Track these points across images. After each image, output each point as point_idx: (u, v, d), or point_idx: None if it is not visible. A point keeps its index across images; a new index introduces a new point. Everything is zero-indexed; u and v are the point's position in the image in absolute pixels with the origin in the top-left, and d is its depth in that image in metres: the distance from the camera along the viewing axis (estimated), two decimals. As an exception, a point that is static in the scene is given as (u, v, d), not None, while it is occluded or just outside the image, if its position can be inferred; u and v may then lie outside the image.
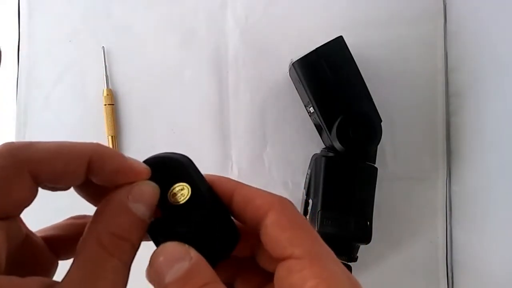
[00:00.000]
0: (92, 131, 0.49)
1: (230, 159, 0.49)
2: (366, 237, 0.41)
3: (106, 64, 0.49)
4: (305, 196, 0.45)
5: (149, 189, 0.20)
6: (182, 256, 0.19)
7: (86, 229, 0.19)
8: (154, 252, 0.19)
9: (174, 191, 0.21)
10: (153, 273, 0.19)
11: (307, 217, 0.44)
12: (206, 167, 0.47)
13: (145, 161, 0.22)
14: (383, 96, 0.44)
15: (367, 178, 0.43)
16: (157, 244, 0.21)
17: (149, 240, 0.21)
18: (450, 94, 0.48)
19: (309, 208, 0.43)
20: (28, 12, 0.50)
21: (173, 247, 0.19)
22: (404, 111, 0.48)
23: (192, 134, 0.49)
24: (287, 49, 0.48)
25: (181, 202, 0.21)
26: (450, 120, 0.48)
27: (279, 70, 0.48)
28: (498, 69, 0.41)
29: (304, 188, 0.46)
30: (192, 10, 0.50)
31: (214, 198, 0.22)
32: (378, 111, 0.42)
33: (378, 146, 0.42)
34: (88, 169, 0.19)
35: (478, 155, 0.44)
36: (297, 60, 0.41)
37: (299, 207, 0.47)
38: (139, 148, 0.49)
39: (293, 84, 0.47)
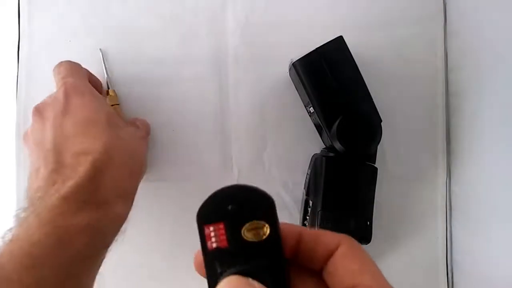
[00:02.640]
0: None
1: (230, 159, 0.49)
2: (366, 237, 0.41)
3: (106, 65, 0.49)
4: (305, 196, 0.45)
5: None
6: (247, 286, 0.19)
7: None
8: (219, 285, 0.20)
9: (252, 226, 0.21)
10: None
11: (307, 217, 0.44)
12: (206, 167, 0.48)
13: (229, 187, 0.21)
14: (383, 96, 0.44)
15: (367, 178, 0.43)
16: (210, 271, 0.21)
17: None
18: (450, 94, 0.48)
19: (309, 208, 0.43)
20: (28, 12, 0.50)
21: (237, 279, 0.20)
22: (404, 111, 0.48)
23: (192, 134, 0.49)
24: (287, 49, 0.47)
25: (255, 240, 0.21)
26: (450, 120, 0.48)
27: (279, 70, 0.48)
28: (498, 69, 0.41)
29: (304, 188, 0.46)
30: (192, 10, 0.50)
31: (282, 247, 0.21)
32: (378, 111, 0.42)
33: (378, 146, 0.42)
34: None
35: (478, 155, 0.44)
36: (297, 60, 0.41)
37: (299, 207, 0.47)
38: (139, 148, 0.49)
39: (293, 84, 0.47)
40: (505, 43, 0.40)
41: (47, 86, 0.50)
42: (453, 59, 0.48)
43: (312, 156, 0.46)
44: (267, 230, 0.21)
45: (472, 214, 0.45)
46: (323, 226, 0.41)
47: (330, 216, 0.41)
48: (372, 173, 0.43)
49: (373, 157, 0.44)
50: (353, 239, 0.22)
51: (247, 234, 0.21)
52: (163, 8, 0.50)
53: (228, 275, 0.20)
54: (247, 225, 0.21)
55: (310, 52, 0.41)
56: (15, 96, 0.50)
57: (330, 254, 0.22)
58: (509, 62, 0.39)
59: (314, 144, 0.48)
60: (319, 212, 0.41)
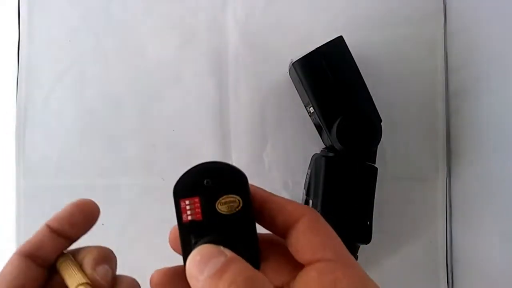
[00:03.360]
0: (92, 131, 0.49)
1: (230, 159, 0.49)
2: (366, 237, 0.41)
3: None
4: (305, 196, 0.45)
5: None
6: (218, 254, 0.20)
7: None
8: (191, 254, 0.20)
9: (225, 200, 0.22)
10: (190, 273, 0.20)
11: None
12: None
13: (204, 163, 0.22)
14: (383, 96, 0.44)
15: (367, 178, 0.42)
16: (184, 243, 0.22)
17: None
18: (450, 94, 0.48)
19: (309, 208, 0.43)
20: (28, 12, 0.50)
21: (208, 247, 0.20)
22: (404, 111, 0.48)
23: (192, 134, 0.49)
24: (287, 49, 0.48)
25: (228, 213, 0.22)
26: (450, 120, 0.48)
27: (279, 70, 0.48)
28: (498, 69, 0.41)
29: (304, 188, 0.46)
30: (192, 10, 0.50)
31: (254, 219, 0.22)
32: (378, 111, 0.42)
33: (378, 146, 0.42)
34: None
35: (478, 155, 0.44)
36: (297, 60, 0.41)
37: (299, 207, 0.47)
38: (139, 148, 0.49)
39: (293, 84, 0.47)
40: (505, 43, 0.40)
41: (47, 87, 0.50)
42: (453, 59, 0.48)
43: (312, 156, 0.46)
44: (240, 203, 0.22)
45: (472, 214, 0.45)
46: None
47: (330, 216, 0.41)
48: (372, 173, 0.43)
49: (373, 157, 0.44)
50: (316, 212, 0.22)
51: (221, 207, 0.22)
52: (163, 8, 0.50)
53: (201, 244, 0.21)
54: (221, 198, 0.22)
55: (310, 52, 0.41)
56: (15, 96, 0.50)
57: (290, 224, 0.22)
58: (509, 62, 0.39)
59: (314, 144, 0.48)
60: (319, 212, 0.41)
